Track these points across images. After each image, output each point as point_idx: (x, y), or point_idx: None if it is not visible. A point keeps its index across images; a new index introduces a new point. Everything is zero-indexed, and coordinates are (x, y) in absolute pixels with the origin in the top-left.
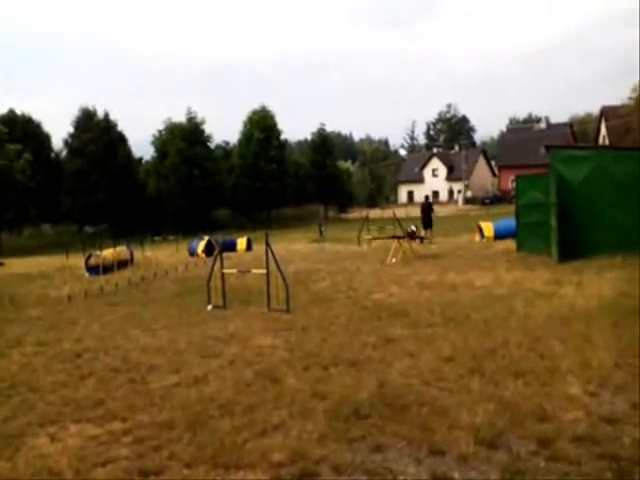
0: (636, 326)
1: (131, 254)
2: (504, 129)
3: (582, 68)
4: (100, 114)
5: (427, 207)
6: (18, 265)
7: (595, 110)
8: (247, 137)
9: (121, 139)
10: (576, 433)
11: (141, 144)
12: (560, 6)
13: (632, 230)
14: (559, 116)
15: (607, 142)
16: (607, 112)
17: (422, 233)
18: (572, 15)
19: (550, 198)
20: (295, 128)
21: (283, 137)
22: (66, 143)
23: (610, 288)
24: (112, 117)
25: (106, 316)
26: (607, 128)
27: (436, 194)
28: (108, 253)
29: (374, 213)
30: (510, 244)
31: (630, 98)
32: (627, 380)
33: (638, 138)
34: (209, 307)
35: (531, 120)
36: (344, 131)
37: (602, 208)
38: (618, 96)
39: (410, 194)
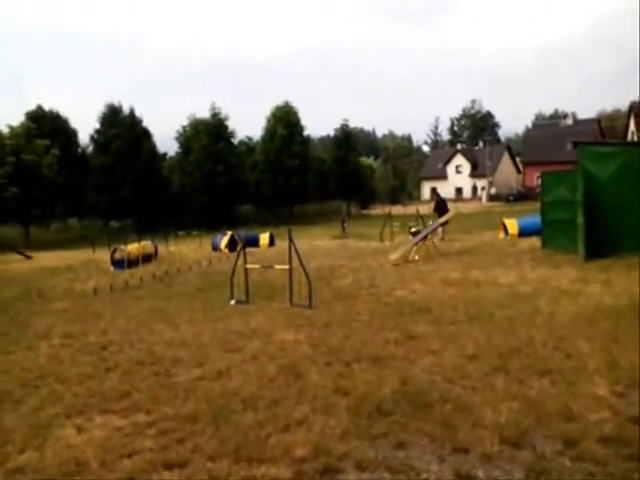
0: None
1: (155, 249)
2: (530, 125)
3: (610, 62)
4: (126, 110)
5: (440, 203)
6: (45, 259)
7: (624, 106)
8: (270, 133)
9: (146, 135)
10: (603, 433)
11: (165, 140)
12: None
13: None
14: (586, 112)
15: (635, 138)
16: (636, 108)
17: (439, 230)
18: (598, 5)
19: (577, 195)
20: (318, 124)
21: (306, 133)
22: (92, 139)
23: (638, 287)
24: (137, 113)
25: (131, 310)
26: (636, 124)
27: (460, 191)
28: (133, 247)
29: (397, 210)
30: (535, 242)
31: None
32: None
33: None
34: (232, 302)
35: (557, 116)
36: (367, 127)
37: (630, 205)
38: None
39: (433, 191)
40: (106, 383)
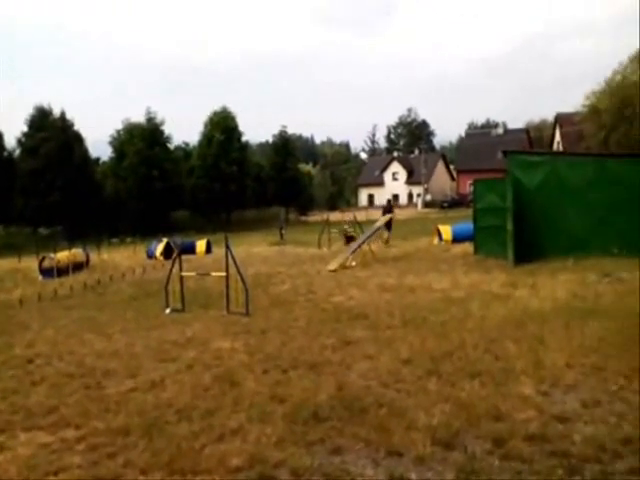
0: (586, 327)
1: (87, 256)
2: (463, 134)
3: (539, 75)
4: (56, 113)
5: (388, 210)
6: None
7: (550, 117)
8: (208, 138)
9: (77, 139)
10: (529, 432)
11: (98, 144)
12: (517, 14)
13: (584, 234)
14: (516, 122)
15: (561, 148)
16: (561, 119)
17: (385, 235)
18: (528, 23)
19: (506, 202)
20: (257, 130)
21: (244, 139)
22: (20, 142)
23: (563, 290)
24: (68, 116)
25: (60, 320)
26: (561, 134)
27: (396, 197)
28: (63, 255)
29: (335, 216)
30: (468, 247)
31: (584, 106)
32: (577, 379)
33: (591, 145)
34: (167, 310)
35: (489, 125)
36: (305, 134)
37: (556, 212)
38: (572, 104)
39: (370, 197)
40: (32, 398)
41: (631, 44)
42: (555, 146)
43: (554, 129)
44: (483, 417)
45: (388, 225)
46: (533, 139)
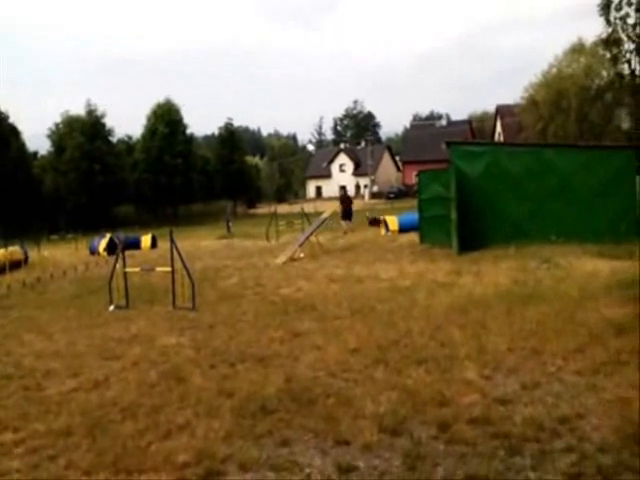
0: (526, 311)
1: (25, 254)
2: (408, 126)
3: (480, 68)
4: None
5: (345, 198)
6: None
7: (491, 108)
8: (151, 131)
9: (13, 132)
10: (472, 415)
11: (36, 138)
12: (458, 7)
13: (524, 222)
14: (459, 114)
15: (502, 139)
16: (502, 110)
17: (343, 225)
18: (470, 16)
19: (450, 192)
20: (202, 123)
21: (189, 131)
22: None
23: (505, 277)
24: (3, 109)
25: None
26: (502, 126)
27: (344, 189)
28: None
29: (282, 208)
30: (414, 237)
31: (522, 98)
32: (518, 362)
33: (530, 135)
34: (111, 307)
35: (433, 117)
36: (252, 126)
37: (498, 201)
38: (512, 95)
39: (318, 189)
40: None
41: (566, 38)
42: (496, 137)
43: (495, 120)
44: (429, 403)
45: (348, 215)
46: (475, 130)
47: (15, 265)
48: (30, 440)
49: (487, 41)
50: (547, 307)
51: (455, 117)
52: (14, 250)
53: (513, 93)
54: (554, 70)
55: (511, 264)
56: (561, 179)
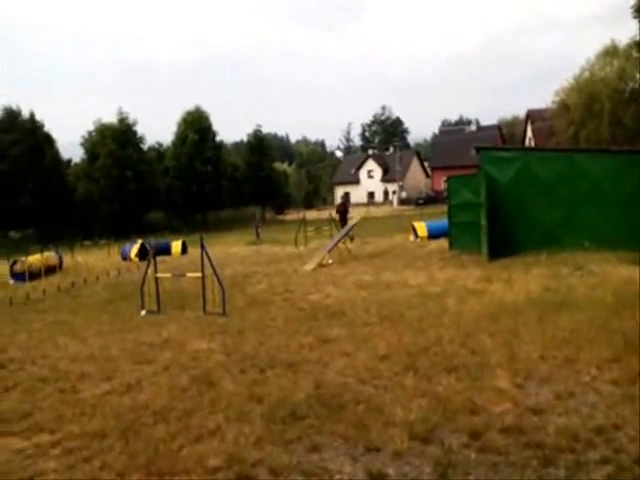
0: (559, 319)
1: (60, 259)
2: (436, 131)
3: (510, 72)
4: (25, 114)
5: (341, 206)
6: None
7: (522, 113)
8: (181, 138)
9: (48, 140)
10: (504, 424)
11: (70, 146)
12: (484, 12)
13: (556, 228)
14: (489, 119)
15: (533, 144)
16: (533, 115)
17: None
18: (496, 20)
19: (480, 198)
20: (231, 129)
21: (219, 138)
22: None
23: (536, 284)
24: (38, 117)
25: (33, 324)
26: (533, 130)
27: (372, 195)
28: (35, 259)
29: (311, 214)
30: (443, 243)
31: (554, 102)
32: (551, 371)
33: (561, 140)
34: (142, 312)
35: (462, 122)
36: (280, 132)
37: (528, 207)
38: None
39: (346, 195)
40: (5, 403)
41: (599, 41)
42: (527, 142)
43: (526, 125)
44: (459, 411)
45: (345, 222)
46: (505, 135)
47: (50, 270)
48: (66, 441)
49: (516, 45)
50: (580, 315)
51: (484, 122)
52: (49, 255)
53: (544, 97)
54: (586, 73)
55: (542, 271)
56: (593, 184)
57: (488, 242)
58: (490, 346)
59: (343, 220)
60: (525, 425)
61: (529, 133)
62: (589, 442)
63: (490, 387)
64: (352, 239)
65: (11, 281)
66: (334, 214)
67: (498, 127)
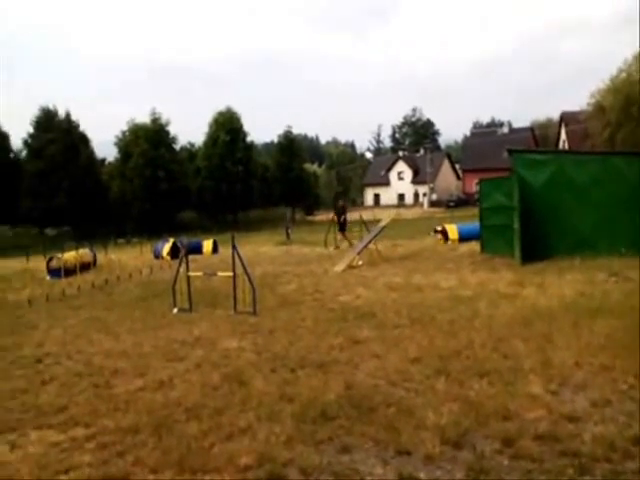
0: (594, 325)
1: (94, 257)
2: (468, 133)
3: (543, 74)
4: (61, 114)
5: (341, 211)
6: None
7: (556, 115)
8: (213, 139)
9: (83, 140)
10: (538, 431)
11: (104, 145)
12: (520, 13)
13: (590, 233)
14: (521, 121)
15: (567, 146)
16: (567, 117)
17: (337, 237)
18: (531, 22)
19: (513, 201)
20: (262, 130)
21: (249, 139)
22: (26, 143)
23: (570, 289)
24: (74, 117)
25: (68, 320)
26: (567, 133)
27: (402, 197)
28: (70, 256)
29: None
30: (474, 246)
31: (589, 104)
32: (587, 378)
33: (597, 143)
34: (174, 310)
35: (494, 124)
36: (310, 134)
37: (562, 211)
38: (577, 102)
39: (376, 197)
40: (42, 397)
41: (636, 42)
42: (561, 144)
43: (560, 127)
44: (492, 416)
45: (343, 226)
46: (538, 138)
47: (85, 267)
48: (100, 436)
49: (549, 46)
50: (616, 321)
51: (517, 124)
52: (84, 253)
53: (578, 99)
54: (623, 74)
55: (577, 276)
56: (630, 188)
57: (521, 246)
58: (523, 351)
59: (341, 224)
60: (560, 433)
61: (563, 135)
62: (626, 452)
63: (523, 393)
64: (348, 242)
65: (48, 277)
66: (333, 217)
67: (531, 129)
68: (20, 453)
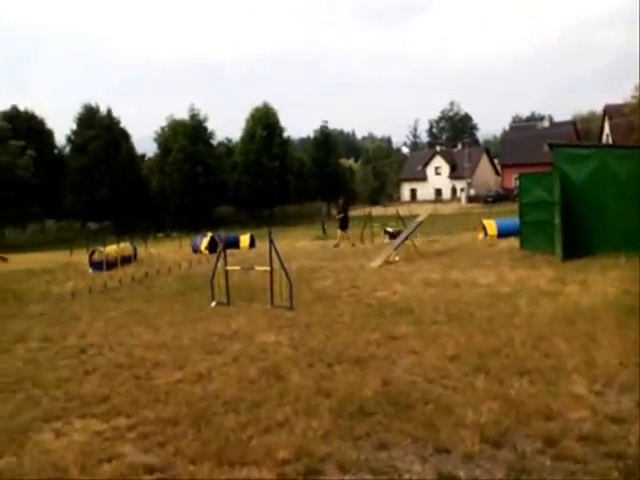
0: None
1: (134, 250)
2: (507, 127)
3: (584, 66)
4: (103, 111)
5: (343, 210)
6: (22, 261)
7: (599, 108)
8: (250, 134)
9: (124, 136)
10: (582, 432)
11: (144, 141)
12: (557, 4)
13: (634, 229)
14: (562, 114)
15: (610, 140)
16: (610, 110)
17: (338, 235)
18: (570, 13)
19: (554, 196)
20: (298, 126)
21: (286, 134)
22: (69, 140)
23: (614, 287)
24: (115, 114)
25: (110, 312)
26: (610, 126)
27: (439, 192)
28: (111, 249)
29: (377, 211)
30: (513, 242)
31: (633, 97)
32: (632, 379)
33: None
34: (212, 304)
35: (534, 118)
36: (347, 129)
37: (605, 207)
38: (621, 94)
39: (413, 192)
40: (85, 387)
41: None
42: (604, 139)
43: (603, 121)
44: (533, 416)
45: (345, 225)
46: (581, 132)
47: (125, 260)
48: (141, 426)
49: (591, 38)
50: None
51: (558, 118)
52: (125, 246)
53: (622, 92)
54: None
55: (621, 274)
56: None
57: (562, 242)
58: (565, 350)
59: (343, 221)
60: (605, 434)
61: (606, 129)
62: None
63: (566, 392)
64: (349, 240)
65: (90, 270)
66: (337, 216)
67: (573, 123)
68: (65, 441)
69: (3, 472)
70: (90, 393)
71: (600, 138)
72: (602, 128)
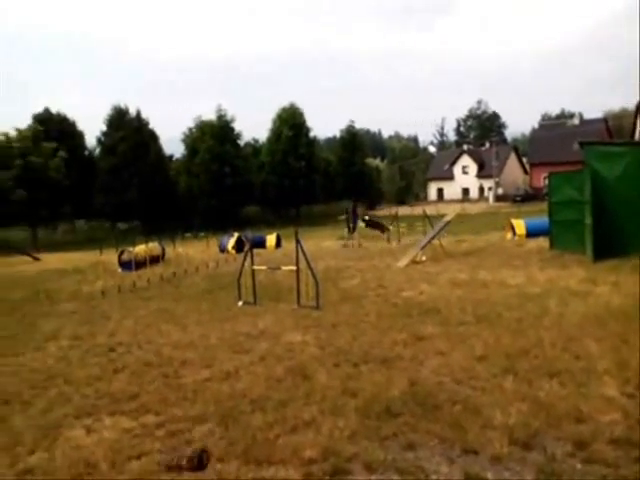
0: None
1: (162, 250)
2: (536, 125)
3: (615, 62)
4: (132, 112)
5: (353, 211)
6: (53, 260)
7: (631, 105)
8: (276, 134)
9: (152, 137)
10: (613, 435)
11: (172, 141)
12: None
13: None
14: (593, 112)
15: None
16: None
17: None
18: (600, 9)
19: (584, 195)
20: (324, 125)
21: (312, 134)
22: (99, 141)
23: None
24: (143, 115)
25: (139, 311)
26: None
27: (466, 191)
28: (140, 249)
29: (403, 210)
30: (543, 242)
31: None
32: None
33: None
34: (240, 303)
35: (564, 116)
36: (373, 128)
37: (638, 206)
38: None
39: (440, 191)
40: (115, 384)
41: None
42: (637, 136)
43: (635, 117)
44: (563, 418)
45: (354, 226)
46: (612, 128)
47: (154, 260)
48: (169, 424)
49: (622, 33)
50: None
51: (588, 115)
52: (153, 246)
53: None
54: None
55: None
56: None
57: (593, 242)
58: (596, 351)
59: (351, 224)
60: (637, 438)
61: (639, 126)
62: None
63: (597, 395)
64: (346, 245)
65: (119, 270)
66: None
67: (604, 120)
68: (95, 437)
69: (36, 467)
70: (119, 391)
71: (632, 135)
72: (635, 125)
